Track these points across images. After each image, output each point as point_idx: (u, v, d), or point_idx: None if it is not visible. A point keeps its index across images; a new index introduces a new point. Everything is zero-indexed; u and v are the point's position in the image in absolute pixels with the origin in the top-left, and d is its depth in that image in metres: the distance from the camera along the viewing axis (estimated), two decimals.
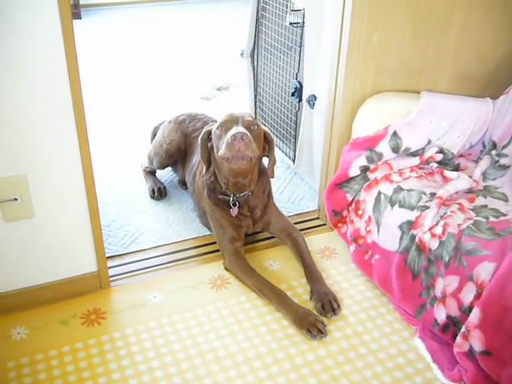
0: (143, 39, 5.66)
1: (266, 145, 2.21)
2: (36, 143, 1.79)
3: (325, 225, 2.60)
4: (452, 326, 1.81)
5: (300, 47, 2.63)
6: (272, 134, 2.25)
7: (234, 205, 2.24)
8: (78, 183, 1.91)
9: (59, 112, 1.77)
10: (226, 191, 2.25)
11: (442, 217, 1.92)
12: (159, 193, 2.78)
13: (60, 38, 1.65)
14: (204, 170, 2.28)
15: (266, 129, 2.24)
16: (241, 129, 2.02)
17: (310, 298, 2.11)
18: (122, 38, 5.72)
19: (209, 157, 2.24)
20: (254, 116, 2.16)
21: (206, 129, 2.26)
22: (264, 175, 2.31)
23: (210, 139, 2.20)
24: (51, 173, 1.86)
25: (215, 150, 2.15)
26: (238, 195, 2.24)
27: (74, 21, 1.68)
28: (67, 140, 1.83)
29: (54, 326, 1.96)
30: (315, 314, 1.99)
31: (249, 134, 2.02)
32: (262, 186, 2.30)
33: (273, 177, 2.30)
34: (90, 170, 1.91)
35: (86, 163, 1.89)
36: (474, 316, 1.66)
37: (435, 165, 2.25)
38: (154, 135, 2.98)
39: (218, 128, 2.12)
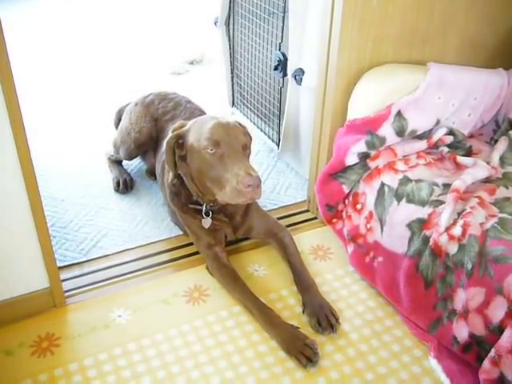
0: (106, 7, 5.26)
1: None
2: None
3: (316, 218, 2.29)
4: (475, 346, 1.57)
5: (284, 13, 2.36)
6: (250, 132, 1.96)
7: (207, 214, 1.93)
8: (17, 182, 1.59)
9: None
10: (198, 200, 1.93)
11: (459, 214, 1.67)
12: (125, 185, 2.44)
13: None
14: (171, 175, 1.93)
15: (246, 128, 1.92)
16: (253, 172, 1.70)
17: (303, 312, 1.80)
18: (83, 7, 5.28)
19: (175, 162, 1.89)
20: (241, 123, 1.95)
21: (172, 130, 1.89)
22: None
23: (180, 144, 1.85)
24: None
25: (193, 166, 1.83)
26: (212, 204, 1.92)
27: None
28: None
29: None
30: (304, 337, 1.67)
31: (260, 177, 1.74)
32: None
33: None
34: (29, 167, 1.57)
35: (24, 158, 1.55)
36: (507, 339, 1.41)
37: (445, 149, 1.98)
38: (119, 119, 2.66)
39: (207, 149, 1.75)
